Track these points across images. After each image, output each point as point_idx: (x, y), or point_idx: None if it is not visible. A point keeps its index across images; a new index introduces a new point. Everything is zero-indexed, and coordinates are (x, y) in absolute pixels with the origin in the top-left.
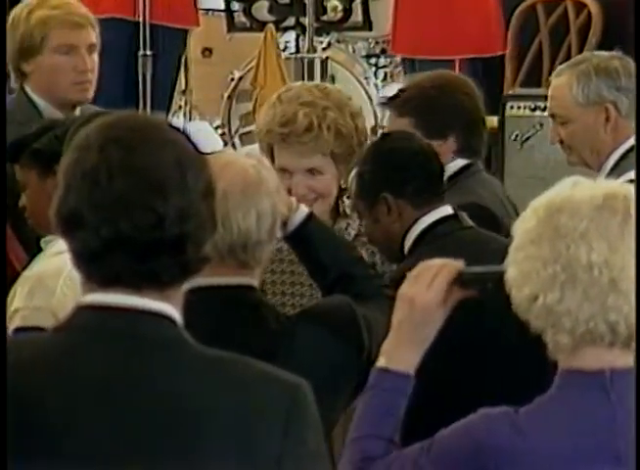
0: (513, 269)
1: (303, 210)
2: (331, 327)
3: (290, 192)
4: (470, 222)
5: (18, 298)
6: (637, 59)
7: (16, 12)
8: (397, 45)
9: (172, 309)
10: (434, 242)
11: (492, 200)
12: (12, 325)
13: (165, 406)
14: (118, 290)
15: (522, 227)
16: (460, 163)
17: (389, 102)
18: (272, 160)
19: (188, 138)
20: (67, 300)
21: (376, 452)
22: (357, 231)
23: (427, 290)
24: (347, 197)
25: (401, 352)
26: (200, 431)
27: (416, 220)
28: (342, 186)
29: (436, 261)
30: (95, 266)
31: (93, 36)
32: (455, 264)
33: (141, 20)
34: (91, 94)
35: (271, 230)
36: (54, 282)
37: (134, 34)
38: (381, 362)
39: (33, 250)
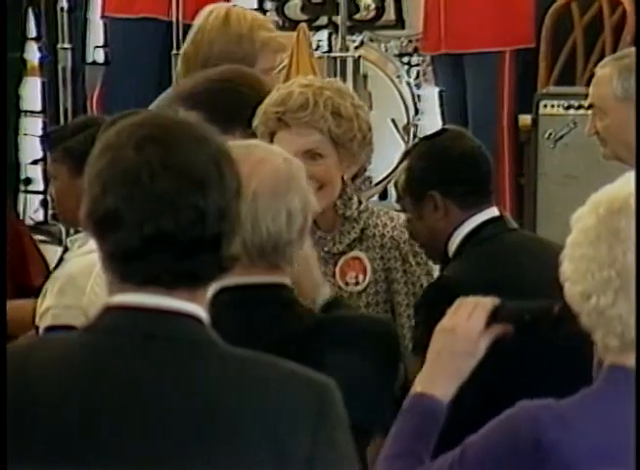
0: (569, 265)
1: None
2: (366, 337)
3: None
4: (514, 224)
5: (48, 296)
6: (637, 58)
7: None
8: (427, 43)
9: (200, 310)
10: (480, 245)
11: None
12: (43, 324)
13: (195, 408)
14: (151, 290)
15: (581, 223)
16: None
17: (178, 96)
18: None
19: (218, 137)
20: (97, 298)
21: (406, 468)
22: (359, 235)
23: (467, 321)
24: (349, 198)
25: (438, 380)
26: (230, 432)
27: (462, 222)
28: (346, 180)
29: (472, 298)
30: (132, 266)
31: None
32: (491, 300)
33: (174, 19)
34: None
35: (302, 229)
36: (84, 281)
37: (167, 34)
38: (417, 389)
39: None
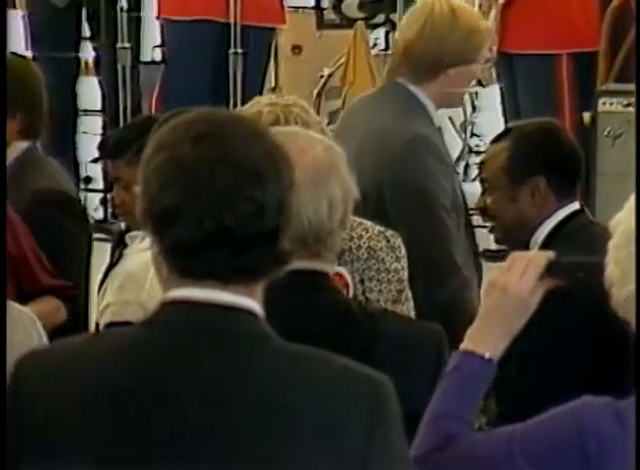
0: (614, 268)
1: None
2: (414, 337)
3: None
4: (591, 216)
5: (108, 293)
6: (637, 58)
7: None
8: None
9: (256, 304)
10: (570, 237)
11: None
12: (103, 320)
13: (250, 403)
14: (209, 285)
15: (622, 226)
16: None
17: None
18: None
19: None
20: (156, 294)
21: (457, 432)
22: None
23: (519, 280)
24: None
25: (488, 338)
26: (285, 428)
27: (554, 212)
28: None
29: (528, 252)
30: (192, 261)
31: None
32: (546, 254)
33: (232, 19)
34: None
35: (343, 218)
36: (143, 277)
37: (222, 34)
38: (467, 345)
39: None
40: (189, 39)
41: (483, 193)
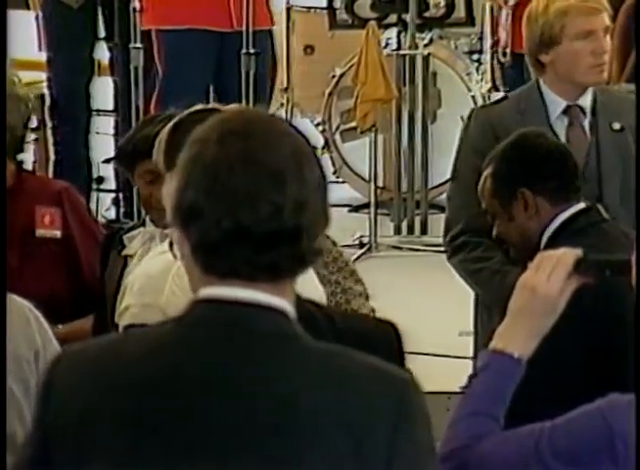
0: None
1: None
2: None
3: None
4: (606, 215)
5: (128, 295)
6: (638, 58)
7: (532, 5)
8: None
9: (286, 303)
10: (575, 237)
11: None
12: (122, 322)
13: (277, 401)
14: (235, 283)
15: None
16: None
17: None
18: None
19: (299, 131)
20: (175, 297)
21: (485, 430)
22: None
23: (548, 280)
24: None
25: (518, 338)
26: (311, 427)
27: (553, 218)
28: None
29: (556, 251)
30: (213, 259)
31: (607, 20)
32: (574, 252)
33: (244, 21)
34: (606, 76)
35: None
36: (162, 280)
37: (217, 41)
38: (496, 344)
39: None
40: (183, 48)
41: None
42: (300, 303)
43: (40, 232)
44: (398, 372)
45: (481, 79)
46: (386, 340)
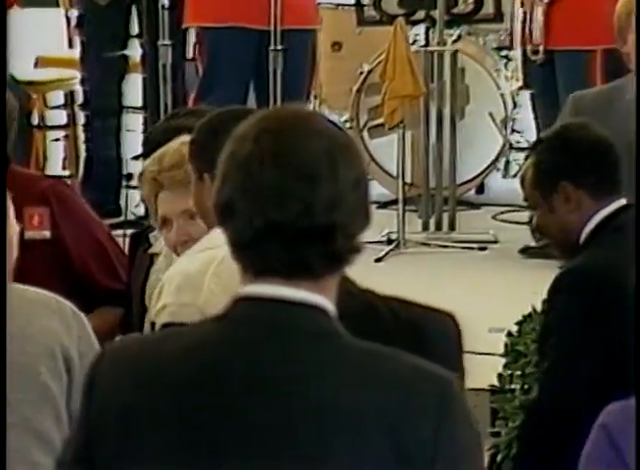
0: None
1: None
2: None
3: (174, 249)
4: None
5: (165, 294)
6: (638, 58)
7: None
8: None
9: (326, 301)
10: (616, 232)
11: None
12: (160, 321)
13: (318, 400)
14: (272, 281)
15: None
16: None
17: None
18: (156, 213)
19: (340, 128)
20: (213, 296)
21: None
22: None
23: None
24: None
25: None
26: (353, 428)
27: (595, 213)
28: None
29: None
30: (248, 256)
31: None
32: None
33: (272, 17)
34: None
35: None
36: (200, 279)
37: (258, 40)
38: None
39: None
40: (223, 46)
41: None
42: (361, 293)
43: (29, 234)
44: (440, 371)
45: (512, 77)
46: (446, 331)
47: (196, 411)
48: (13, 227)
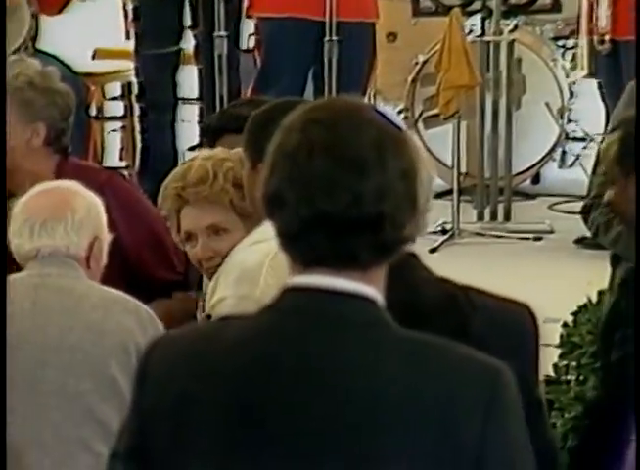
0: None
1: None
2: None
3: (199, 263)
4: None
5: (223, 286)
6: (637, 58)
7: None
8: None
9: (374, 291)
10: None
11: None
12: (217, 313)
13: (368, 391)
14: (320, 271)
15: None
16: None
17: None
18: (179, 229)
19: (389, 119)
20: (270, 289)
21: None
22: None
23: None
24: None
25: None
26: (403, 419)
27: None
28: None
29: None
30: (297, 247)
31: None
32: None
33: (327, 8)
34: None
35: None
36: (258, 271)
37: (317, 32)
38: None
39: None
40: (282, 37)
41: (603, 186)
42: (440, 282)
43: None
44: (491, 361)
45: (572, 67)
46: (523, 322)
47: (245, 403)
48: (105, 235)
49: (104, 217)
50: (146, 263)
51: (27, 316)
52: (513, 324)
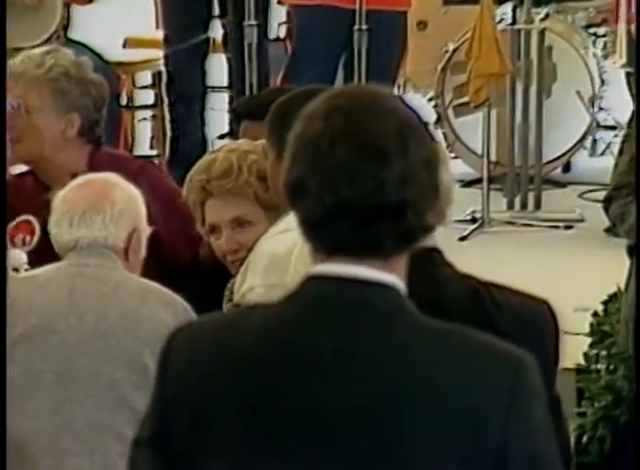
0: None
1: None
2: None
3: (224, 258)
4: None
5: (251, 275)
6: (637, 57)
7: None
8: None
9: (397, 279)
10: None
11: None
12: (247, 301)
13: (391, 378)
14: (343, 259)
15: None
16: None
17: None
18: (203, 221)
19: (410, 108)
20: (299, 277)
21: None
22: None
23: None
24: None
25: None
26: (425, 405)
27: None
28: None
29: None
30: (319, 235)
31: None
32: None
33: (357, 2)
34: None
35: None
36: (287, 260)
37: (348, 20)
38: None
39: None
40: (313, 25)
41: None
42: (464, 278)
43: None
44: (513, 349)
45: (604, 55)
46: (544, 318)
47: (266, 391)
48: (144, 227)
49: (143, 209)
50: (179, 251)
51: (64, 304)
52: (535, 322)
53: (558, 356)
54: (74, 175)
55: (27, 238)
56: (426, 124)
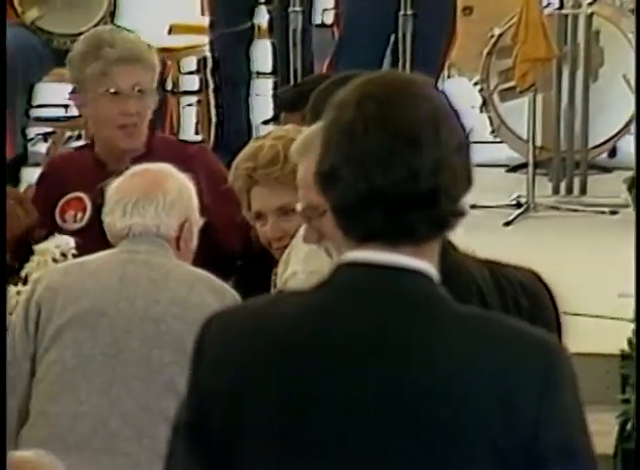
0: None
1: None
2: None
3: (269, 245)
4: None
5: (294, 262)
6: (637, 57)
7: None
8: None
9: (429, 266)
10: None
11: None
12: (288, 287)
13: (427, 364)
14: (375, 246)
15: None
16: None
17: None
18: (249, 206)
19: (444, 94)
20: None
21: None
22: None
23: None
24: None
25: None
26: (460, 390)
27: None
28: None
29: None
30: (352, 222)
31: None
32: None
33: None
34: None
35: None
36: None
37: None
38: None
39: None
40: (359, 11)
41: None
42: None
43: None
44: (545, 335)
45: None
46: (541, 286)
47: (300, 380)
48: (196, 217)
49: (195, 200)
50: (231, 235)
51: (114, 290)
52: (540, 292)
53: (559, 316)
54: (134, 157)
55: (79, 215)
56: (456, 111)
